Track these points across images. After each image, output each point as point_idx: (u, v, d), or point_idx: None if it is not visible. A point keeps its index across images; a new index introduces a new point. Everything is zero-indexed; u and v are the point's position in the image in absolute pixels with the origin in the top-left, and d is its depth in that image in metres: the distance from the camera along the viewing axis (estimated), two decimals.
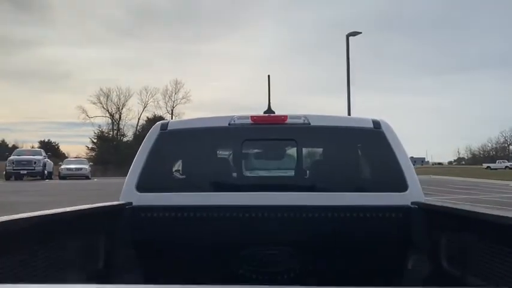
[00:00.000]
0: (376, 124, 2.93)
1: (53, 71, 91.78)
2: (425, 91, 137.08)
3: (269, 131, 3.07)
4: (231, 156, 3.24)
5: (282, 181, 3.10)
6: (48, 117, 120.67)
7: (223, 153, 3.33)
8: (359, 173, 3.03)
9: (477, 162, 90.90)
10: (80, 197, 17.07)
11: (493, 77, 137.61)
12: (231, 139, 3.12)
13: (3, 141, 65.45)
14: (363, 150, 3.04)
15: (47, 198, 16.46)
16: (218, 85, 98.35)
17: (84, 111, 61.70)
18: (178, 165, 3.18)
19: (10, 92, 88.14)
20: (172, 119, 64.26)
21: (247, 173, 3.20)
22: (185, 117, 65.32)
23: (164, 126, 3.05)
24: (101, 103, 62.27)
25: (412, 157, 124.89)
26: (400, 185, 2.80)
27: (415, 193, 2.84)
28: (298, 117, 2.97)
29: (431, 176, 41.66)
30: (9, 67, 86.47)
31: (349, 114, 26.05)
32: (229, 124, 3.02)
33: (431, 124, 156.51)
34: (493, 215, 2.12)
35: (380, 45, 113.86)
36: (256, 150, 3.37)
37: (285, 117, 2.97)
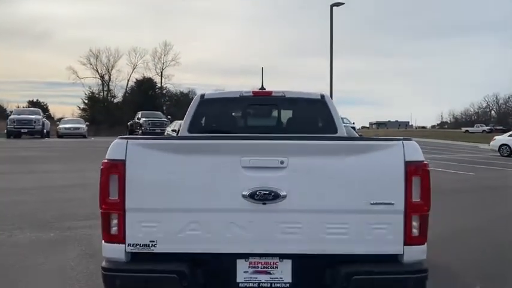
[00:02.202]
0: (322, 97, 4.93)
1: (33, 28, 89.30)
2: (411, 55, 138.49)
3: (262, 100, 5.04)
4: (240, 114, 5.22)
5: (269, 129, 5.03)
6: (30, 76, 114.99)
7: (235, 112, 5.27)
8: (311, 124, 4.95)
9: (459, 126, 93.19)
10: (90, 151, 18.93)
11: (478, 42, 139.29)
12: (240, 104, 5.04)
13: None
14: (313, 111, 4.99)
15: (56, 153, 18.30)
16: (205, 45, 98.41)
17: (74, 72, 62.49)
18: (210, 119, 5.09)
19: None
20: (161, 81, 65.51)
21: (249, 124, 5.13)
22: (174, 79, 66.71)
23: (203, 96, 4.99)
24: (90, 64, 62.98)
25: (397, 121, 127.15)
26: (332, 130, 4.78)
27: (340, 134, 4.79)
28: (278, 92, 4.99)
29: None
30: None
31: (331, 78, 28.09)
32: (239, 96, 4.89)
33: (416, 89, 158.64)
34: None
35: (367, 9, 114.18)
36: (255, 111, 5.31)
37: (271, 92, 5.03)
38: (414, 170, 2.58)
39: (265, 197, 2.55)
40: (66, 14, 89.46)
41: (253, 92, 4.99)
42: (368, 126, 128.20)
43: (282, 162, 2.58)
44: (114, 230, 2.61)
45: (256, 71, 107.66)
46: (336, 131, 4.70)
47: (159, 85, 65.30)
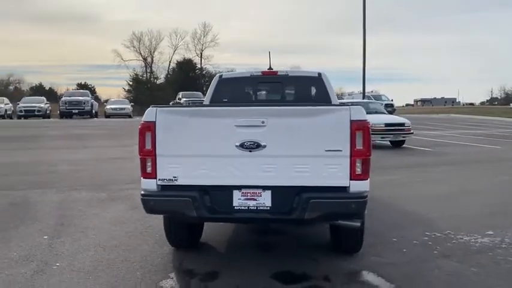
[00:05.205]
0: (319, 74, 5.82)
1: (78, 12, 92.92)
2: (460, 29, 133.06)
3: (270, 78, 6.01)
4: (251, 90, 6.21)
5: (275, 101, 6.00)
6: (76, 60, 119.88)
7: (247, 89, 6.25)
8: (310, 97, 5.89)
9: (510, 102, 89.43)
10: (135, 129, 20.43)
11: None
12: (252, 82, 6.03)
13: (40, 84, 68.38)
14: (312, 87, 5.92)
15: (105, 131, 19.96)
16: (240, 25, 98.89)
17: (118, 54, 65.21)
18: (227, 94, 6.08)
19: (39, 34, 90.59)
20: (201, 62, 67.15)
21: (259, 98, 6.17)
22: (213, 60, 68.10)
23: (221, 76, 6.06)
24: (134, 47, 65.47)
25: (443, 97, 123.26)
26: (327, 101, 5.65)
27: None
28: (283, 71, 5.95)
29: (451, 114, 43.57)
30: (36, 10, 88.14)
31: (364, 54, 28.32)
32: (251, 75, 5.92)
33: (465, 64, 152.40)
34: None
35: None
36: (263, 87, 6.31)
37: (277, 71, 5.98)
38: (357, 126, 3.53)
39: (251, 146, 3.59)
40: None
41: (262, 72, 6.00)
42: (413, 103, 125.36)
43: (263, 122, 3.60)
44: (148, 170, 3.73)
45: (296, 49, 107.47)
46: (330, 102, 5.64)
47: (199, 66, 67.10)
